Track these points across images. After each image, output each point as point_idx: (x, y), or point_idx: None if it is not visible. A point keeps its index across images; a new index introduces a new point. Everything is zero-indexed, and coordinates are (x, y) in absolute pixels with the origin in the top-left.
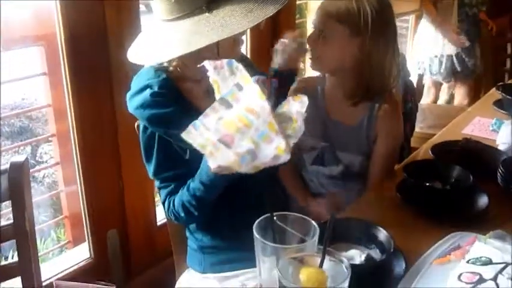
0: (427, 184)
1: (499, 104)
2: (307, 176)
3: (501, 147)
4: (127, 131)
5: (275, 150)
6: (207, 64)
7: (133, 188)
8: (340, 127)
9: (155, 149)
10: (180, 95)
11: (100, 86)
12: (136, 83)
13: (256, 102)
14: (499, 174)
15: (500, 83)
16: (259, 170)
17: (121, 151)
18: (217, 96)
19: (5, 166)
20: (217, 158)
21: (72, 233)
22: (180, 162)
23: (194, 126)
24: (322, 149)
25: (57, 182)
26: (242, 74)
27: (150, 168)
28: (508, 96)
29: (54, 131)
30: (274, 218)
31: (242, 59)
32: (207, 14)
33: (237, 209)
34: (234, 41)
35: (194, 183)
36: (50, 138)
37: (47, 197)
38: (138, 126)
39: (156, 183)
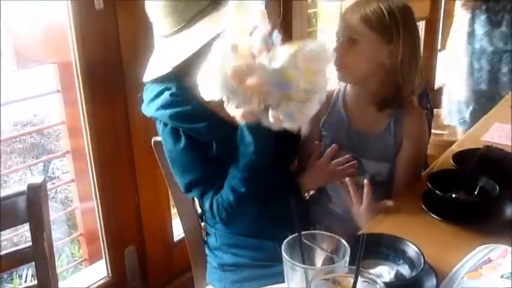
0: (454, 195)
1: None
2: (330, 187)
3: None
4: (142, 147)
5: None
6: None
7: (150, 203)
8: (364, 136)
9: (182, 145)
10: (197, 94)
11: (115, 102)
12: (149, 91)
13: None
14: None
15: None
16: None
17: (136, 167)
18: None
19: (23, 188)
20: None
21: (88, 250)
22: (209, 161)
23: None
24: (346, 159)
25: (69, 197)
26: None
27: (186, 177)
28: None
29: (69, 147)
30: (302, 238)
31: None
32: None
33: (258, 228)
34: None
35: (232, 177)
36: (64, 155)
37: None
38: (154, 143)
39: (195, 192)
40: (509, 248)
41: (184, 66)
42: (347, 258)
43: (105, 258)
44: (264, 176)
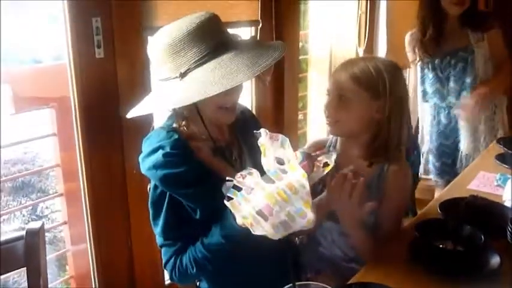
0: (440, 246)
1: (501, 158)
2: (320, 232)
3: (507, 203)
4: (137, 191)
5: (306, 222)
6: (263, 131)
7: (142, 247)
8: None
9: (164, 208)
10: (191, 154)
11: (111, 147)
12: (147, 145)
13: (296, 179)
14: (508, 231)
15: (500, 137)
16: None
17: (131, 211)
18: (262, 158)
19: (21, 233)
20: (256, 230)
21: None
22: (188, 222)
23: (237, 200)
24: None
25: (58, 237)
26: (291, 162)
27: (158, 228)
28: (509, 151)
29: (63, 190)
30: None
31: (246, 116)
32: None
33: (251, 271)
34: (217, 106)
35: (212, 237)
36: (57, 197)
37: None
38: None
39: (159, 240)
40: None
41: (181, 115)
42: None
43: None
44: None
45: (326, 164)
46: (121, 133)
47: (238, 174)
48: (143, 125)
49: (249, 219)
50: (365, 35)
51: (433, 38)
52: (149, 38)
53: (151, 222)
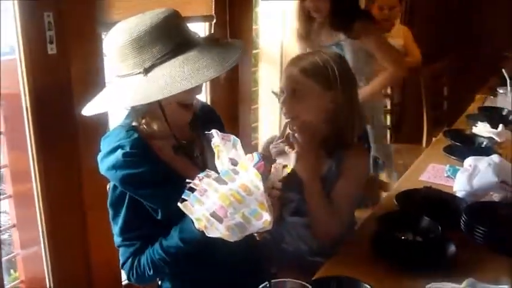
0: (402, 238)
1: (449, 150)
2: (285, 227)
3: (459, 194)
4: (93, 191)
5: (262, 224)
6: (214, 132)
7: (99, 248)
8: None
9: (124, 208)
10: (152, 153)
11: (65, 146)
12: (106, 144)
13: (250, 179)
14: (462, 221)
15: (446, 129)
16: None
17: (87, 211)
18: (216, 161)
19: None
20: (210, 232)
21: None
22: (149, 222)
23: (190, 201)
24: (298, 201)
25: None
26: (242, 161)
27: (116, 227)
28: (456, 143)
29: (11, 192)
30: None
31: (206, 112)
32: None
33: (219, 268)
34: (177, 103)
35: (171, 240)
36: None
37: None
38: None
39: (118, 240)
40: (456, 286)
41: (141, 112)
42: None
43: None
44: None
45: (285, 166)
46: (76, 132)
47: (196, 177)
48: (98, 123)
49: (203, 221)
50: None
51: (303, 35)
52: (107, 33)
53: (111, 222)
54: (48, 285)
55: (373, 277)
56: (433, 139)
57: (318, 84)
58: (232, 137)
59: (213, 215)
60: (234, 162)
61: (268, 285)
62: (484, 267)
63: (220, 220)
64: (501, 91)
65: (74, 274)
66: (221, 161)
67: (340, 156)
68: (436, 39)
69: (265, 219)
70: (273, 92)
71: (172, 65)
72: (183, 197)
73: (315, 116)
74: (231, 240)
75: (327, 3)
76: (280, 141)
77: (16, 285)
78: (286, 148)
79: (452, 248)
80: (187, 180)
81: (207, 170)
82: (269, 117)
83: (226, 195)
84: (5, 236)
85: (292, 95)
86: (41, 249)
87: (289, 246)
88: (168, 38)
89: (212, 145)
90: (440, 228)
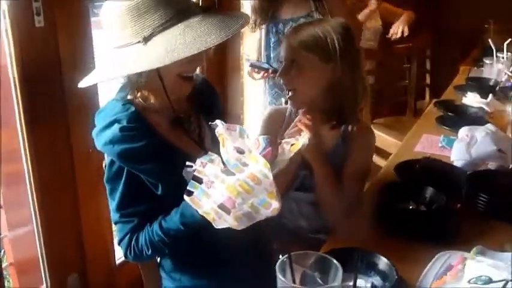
0: (410, 208)
1: (441, 120)
2: (288, 202)
3: (457, 163)
4: (84, 169)
5: (271, 212)
6: (219, 122)
7: (92, 228)
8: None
9: (122, 183)
10: (149, 127)
11: (56, 122)
12: (102, 118)
13: (259, 169)
14: (464, 190)
15: (436, 100)
16: None
17: (78, 190)
18: (221, 149)
19: None
20: (219, 224)
21: (20, 280)
22: (147, 198)
23: (197, 195)
24: (303, 176)
25: None
26: (252, 154)
27: (113, 203)
28: (448, 113)
29: None
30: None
31: (204, 86)
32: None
33: (220, 243)
34: (177, 74)
35: (171, 222)
36: None
37: None
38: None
39: (115, 216)
40: (465, 253)
41: (137, 85)
42: (340, 281)
43: (47, 287)
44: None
45: (291, 144)
46: (64, 107)
47: (199, 162)
48: (88, 98)
49: (211, 214)
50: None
51: (268, 4)
52: (94, 3)
53: (108, 199)
54: (41, 266)
55: (379, 247)
56: (420, 110)
57: (317, 56)
58: (238, 126)
59: (221, 206)
60: (240, 150)
61: (288, 257)
62: (487, 236)
63: (228, 211)
64: (487, 61)
65: (66, 254)
66: (226, 150)
67: (346, 131)
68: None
69: (274, 207)
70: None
71: (172, 33)
72: (188, 188)
73: (315, 88)
74: (238, 229)
75: None
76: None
77: (5, 268)
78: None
79: (455, 217)
80: (187, 163)
81: (210, 153)
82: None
83: (234, 186)
84: None
85: (290, 66)
86: (33, 230)
87: (290, 222)
88: (168, 5)
89: (216, 133)
90: (444, 198)
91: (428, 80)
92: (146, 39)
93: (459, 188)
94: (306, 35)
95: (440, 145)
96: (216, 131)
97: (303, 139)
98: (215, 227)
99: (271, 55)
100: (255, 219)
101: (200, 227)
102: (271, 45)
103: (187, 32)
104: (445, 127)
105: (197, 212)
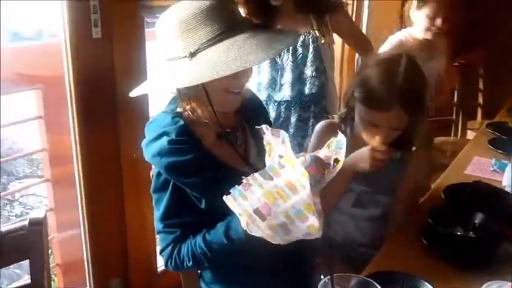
0: (458, 233)
1: (493, 143)
2: (342, 218)
3: (508, 189)
4: (132, 176)
5: (308, 228)
6: (265, 128)
7: (136, 235)
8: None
9: (167, 194)
10: (197, 141)
11: (106, 130)
12: (151, 130)
13: (297, 178)
14: None
15: (489, 122)
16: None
17: (125, 196)
18: (267, 158)
19: (23, 222)
20: (252, 229)
21: (64, 280)
22: (191, 211)
23: (233, 195)
24: (360, 192)
25: None
26: (287, 155)
27: (158, 213)
28: (502, 136)
29: (49, 175)
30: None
31: (252, 102)
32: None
33: (262, 260)
34: (224, 89)
35: (215, 236)
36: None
37: None
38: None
39: (159, 226)
40: None
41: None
42: None
43: None
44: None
45: (337, 161)
46: (116, 116)
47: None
48: (138, 108)
49: (245, 217)
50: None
51: (264, 21)
52: (149, 16)
53: (154, 208)
54: (86, 268)
55: (424, 273)
56: (468, 132)
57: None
58: (281, 132)
59: (256, 211)
60: (281, 166)
61: (330, 278)
62: None
63: (263, 218)
64: None
65: (110, 258)
66: (272, 159)
67: (405, 155)
68: (473, 25)
69: (311, 223)
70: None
71: (216, 50)
72: (231, 190)
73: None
74: (274, 242)
75: None
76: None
77: (52, 268)
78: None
79: (506, 244)
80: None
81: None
82: None
83: (271, 192)
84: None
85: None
86: (80, 232)
87: (337, 236)
88: (215, 22)
89: (264, 142)
90: (497, 224)
91: (480, 100)
92: (192, 55)
93: (510, 215)
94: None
95: (491, 169)
96: (264, 140)
97: (342, 151)
98: (248, 232)
99: (263, 80)
100: (290, 232)
101: (242, 244)
102: (265, 69)
103: (230, 50)
104: (497, 150)
105: (241, 226)
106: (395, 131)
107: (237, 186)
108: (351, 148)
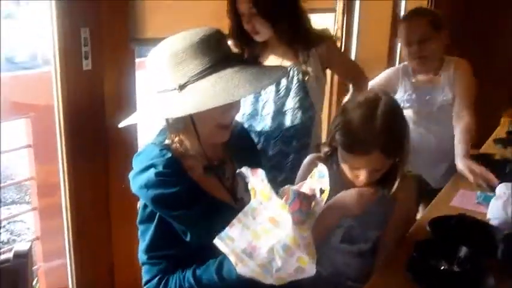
0: (442, 268)
1: None
2: (330, 253)
3: (493, 222)
4: (120, 207)
5: (298, 262)
6: (244, 170)
7: (124, 264)
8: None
9: (153, 226)
10: (184, 173)
11: (95, 160)
12: (139, 162)
13: (278, 213)
14: (500, 250)
15: (475, 153)
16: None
17: (113, 227)
18: (252, 200)
19: (7, 255)
20: (242, 269)
21: None
22: (176, 243)
23: (220, 237)
24: (348, 227)
25: None
26: (263, 190)
27: (143, 244)
28: (487, 168)
29: (36, 204)
30: None
31: (241, 134)
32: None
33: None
34: (213, 122)
35: (205, 272)
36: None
37: None
38: None
39: (143, 258)
40: None
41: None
42: None
43: None
44: None
45: (322, 190)
46: (105, 146)
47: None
48: (127, 139)
49: (233, 257)
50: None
51: (249, 53)
52: (139, 48)
53: (139, 239)
54: None
55: None
56: None
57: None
58: (259, 170)
59: (244, 251)
60: (258, 204)
61: None
62: None
63: (251, 256)
64: None
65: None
66: (257, 200)
67: (390, 186)
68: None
69: (299, 255)
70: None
71: (204, 83)
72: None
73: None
74: (266, 282)
75: (267, 26)
76: None
77: None
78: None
79: (491, 279)
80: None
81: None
82: None
83: (256, 231)
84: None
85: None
86: (66, 262)
87: (324, 270)
88: (205, 56)
89: (249, 187)
90: (480, 258)
91: None
92: (181, 87)
93: (495, 248)
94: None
95: (476, 201)
96: (249, 184)
97: (325, 180)
98: (238, 272)
99: (247, 111)
100: (280, 268)
101: (233, 284)
102: (250, 100)
103: (218, 83)
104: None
105: (235, 269)
106: (377, 171)
107: (224, 229)
108: (338, 184)
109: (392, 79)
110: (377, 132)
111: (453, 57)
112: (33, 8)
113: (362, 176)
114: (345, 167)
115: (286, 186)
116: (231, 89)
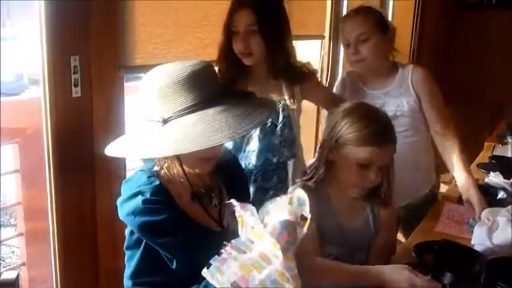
0: None
1: (462, 200)
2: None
3: (477, 248)
4: (107, 233)
5: None
6: (233, 202)
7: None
8: (355, 231)
9: (140, 252)
10: (172, 201)
11: (83, 186)
12: (127, 189)
13: (269, 248)
14: (482, 277)
15: None
16: None
17: (100, 253)
18: (240, 230)
19: None
20: None
21: None
22: (162, 270)
23: (211, 271)
24: (338, 256)
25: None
26: (256, 229)
27: (129, 270)
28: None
29: (23, 229)
30: None
31: (228, 162)
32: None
33: None
34: (197, 156)
35: None
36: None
37: None
38: None
39: (128, 284)
40: None
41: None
42: None
43: None
44: None
45: (303, 217)
46: (93, 172)
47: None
48: (116, 165)
49: None
50: (327, 75)
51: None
52: (128, 76)
53: (126, 265)
54: None
55: None
56: (442, 185)
57: None
58: (249, 205)
59: (234, 285)
60: (251, 242)
61: None
62: None
63: None
64: (510, 140)
65: None
66: (245, 230)
67: (373, 208)
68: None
69: None
70: None
71: (186, 122)
72: (211, 261)
73: None
74: None
75: (263, 47)
76: None
77: None
78: None
79: None
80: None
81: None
82: None
83: (247, 265)
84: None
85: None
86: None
87: None
88: (190, 93)
89: (236, 215)
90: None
91: None
92: (165, 121)
93: (479, 274)
94: None
95: (471, 230)
96: (236, 213)
97: (306, 207)
98: None
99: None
100: None
101: None
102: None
103: (199, 124)
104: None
105: None
106: (382, 171)
107: (213, 262)
108: (327, 210)
109: (340, 91)
110: (388, 122)
111: (409, 65)
112: (19, 29)
113: (373, 174)
114: (349, 172)
115: (269, 204)
116: (209, 134)
